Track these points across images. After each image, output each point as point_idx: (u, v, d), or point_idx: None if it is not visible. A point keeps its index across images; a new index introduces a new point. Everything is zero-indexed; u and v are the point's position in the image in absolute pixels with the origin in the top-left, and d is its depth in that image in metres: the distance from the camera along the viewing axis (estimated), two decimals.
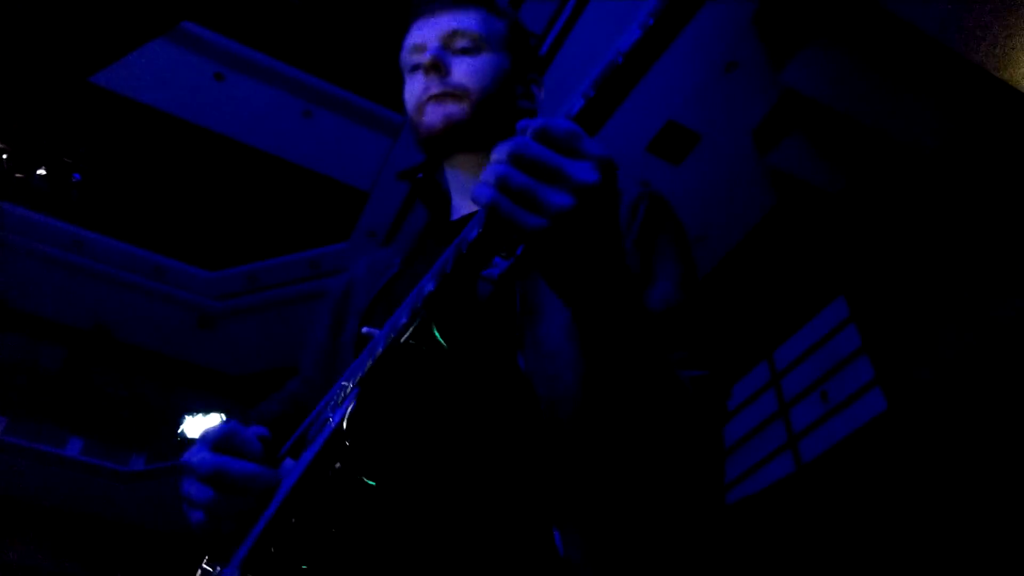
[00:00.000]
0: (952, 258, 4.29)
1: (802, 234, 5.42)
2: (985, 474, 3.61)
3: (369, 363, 0.72)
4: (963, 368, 3.98)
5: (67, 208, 7.14)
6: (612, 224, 0.63)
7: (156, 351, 8.61)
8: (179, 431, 7.80)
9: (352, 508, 0.70)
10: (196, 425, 7.75)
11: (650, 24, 0.59)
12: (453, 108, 0.99)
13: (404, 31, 1.09)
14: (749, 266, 5.86)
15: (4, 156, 6.48)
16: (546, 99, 1.13)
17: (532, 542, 0.73)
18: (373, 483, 0.69)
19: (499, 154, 0.60)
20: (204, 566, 0.79)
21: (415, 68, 1.05)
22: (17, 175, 6.57)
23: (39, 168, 6.65)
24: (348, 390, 0.74)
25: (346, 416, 0.70)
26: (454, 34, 1.04)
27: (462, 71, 1.01)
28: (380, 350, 0.72)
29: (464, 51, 1.03)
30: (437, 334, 0.69)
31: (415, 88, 1.04)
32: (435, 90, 1.00)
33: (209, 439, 0.79)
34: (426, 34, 1.05)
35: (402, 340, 0.70)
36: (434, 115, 1.00)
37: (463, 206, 1.07)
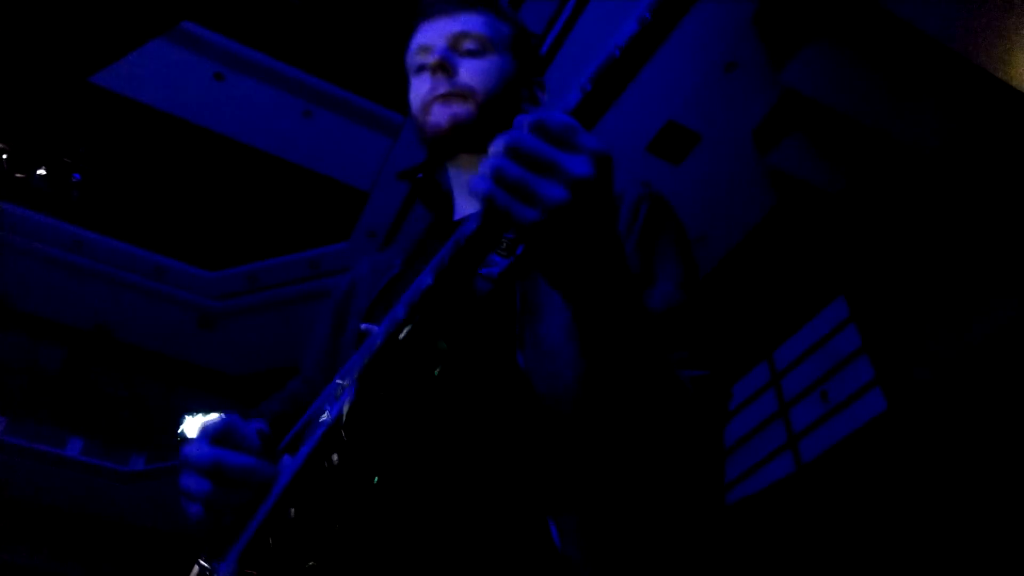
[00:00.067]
0: (952, 258, 4.29)
1: (802, 234, 5.42)
2: (985, 474, 3.61)
3: (367, 358, 0.72)
4: (963, 368, 3.98)
5: (67, 208, 7.14)
6: (608, 218, 0.63)
7: (156, 351, 8.60)
8: (179, 431, 7.77)
9: (349, 501, 0.70)
10: (196, 425, 7.73)
11: (647, 19, 0.59)
12: (459, 108, 1.00)
13: (410, 33, 1.10)
14: (749, 266, 5.86)
15: (4, 156, 6.48)
16: (547, 100, 1.13)
17: (529, 536, 0.74)
18: (370, 476, 0.69)
19: (496, 147, 0.61)
20: (201, 562, 0.79)
21: (421, 69, 1.06)
22: (17, 175, 6.57)
23: (39, 168, 6.65)
24: (345, 385, 0.74)
25: (344, 410, 0.70)
26: (461, 36, 1.04)
27: (468, 72, 1.02)
28: (378, 344, 0.72)
29: (470, 53, 1.04)
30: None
31: (421, 88, 1.05)
32: (442, 90, 1.01)
33: (208, 432, 0.79)
34: (433, 35, 1.06)
35: (400, 336, 0.70)
36: (440, 115, 1.00)
37: (466, 206, 1.08)
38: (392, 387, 0.73)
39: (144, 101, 6.47)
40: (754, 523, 4.88)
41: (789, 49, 4.35)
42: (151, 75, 6.22)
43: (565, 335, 0.81)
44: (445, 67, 1.01)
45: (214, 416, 0.81)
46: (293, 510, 0.71)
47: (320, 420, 0.74)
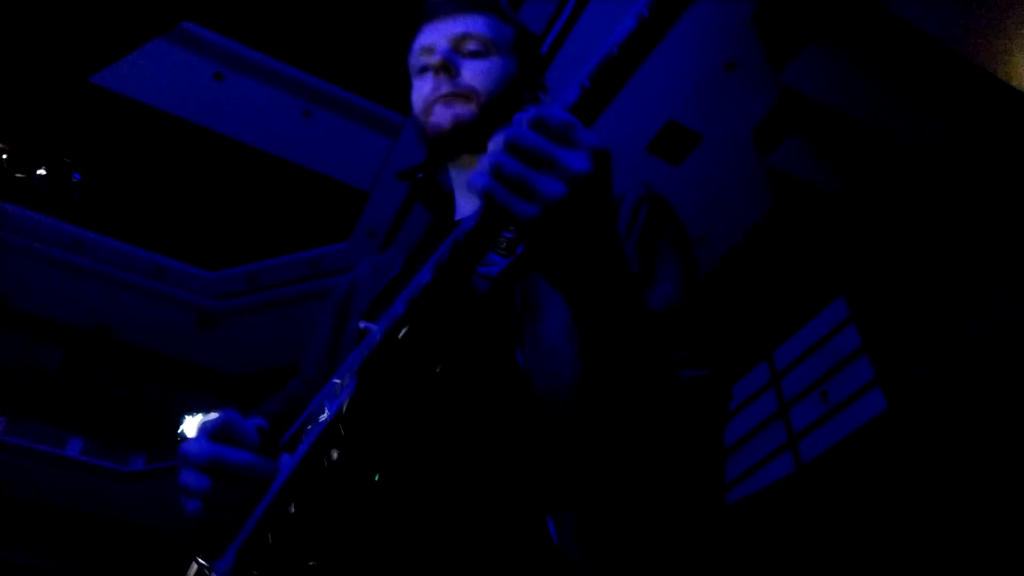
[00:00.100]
0: (952, 258, 4.29)
1: (802, 234, 5.42)
2: (985, 474, 3.61)
3: (366, 354, 0.72)
4: (963, 368, 3.98)
5: (67, 208, 7.14)
6: (606, 214, 0.63)
7: (156, 351, 8.61)
8: (179, 431, 7.81)
9: (348, 498, 0.70)
10: (196, 425, 7.74)
11: (645, 15, 0.59)
12: (461, 109, 1.00)
13: (413, 34, 1.10)
14: (749, 266, 5.86)
15: (4, 156, 6.48)
16: (548, 101, 1.13)
17: (527, 533, 0.74)
18: (369, 472, 0.69)
19: (495, 143, 0.61)
20: (199, 560, 0.79)
21: (424, 70, 1.06)
22: (17, 175, 6.57)
23: (39, 168, 6.65)
24: (344, 382, 0.74)
25: (343, 406, 0.70)
26: (464, 37, 1.05)
27: (471, 73, 1.02)
28: (377, 341, 0.72)
29: (473, 54, 1.04)
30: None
31: (424, 89, 1.05)
32: (444, 90, 1.01)
33: (207, 429, 0.79)
34: (436, 36, 1.06)
35: (400, 333, 0.70)
36: (442, 115, 1.01)
37: (466, 206, 1.08)
38: (391, 384, 0.73)
39: (144, 101, 6.47)
40: (754, 523, 4.88)
41: (789, 49, 4.35)
42: (151, 75, 6.22)
43: (565, 334, 0.81)
44: (448, 67, 1.01)
45: (213, 414, 0.81)
46: (292, 507, 0.71)
47: (319, 418, 0.74)
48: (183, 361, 8.67)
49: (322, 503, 0.70)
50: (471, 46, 1.04)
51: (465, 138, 1.01)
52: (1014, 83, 3.98)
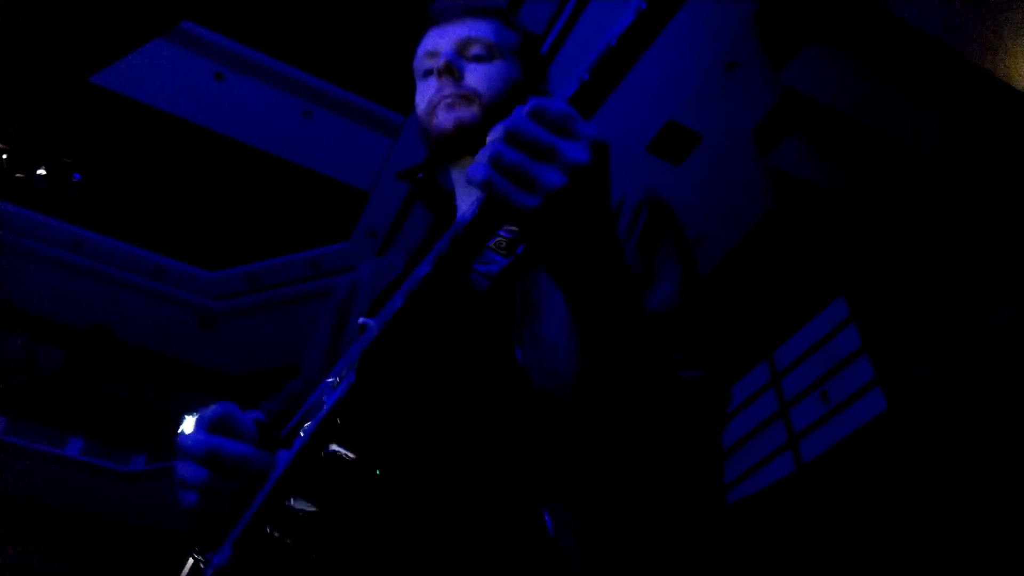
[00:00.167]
0: (952, 258, 4.29)
1: (802, 234, 5.42)
2: (985, 474, 3.61)
3: (364, 347, 0.72)
4: (963, 368, 3.98)
5: (67, 208, 7.14)
6: (604, 206, 0.63)
7: (156, 351, 8.60)
8: (179, 431, 7.80)
9: (346, 490, 0.70)
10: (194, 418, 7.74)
11: (643, 7, 0.59)
12: (464, 112, 1.01)
13: (419, 38, 1.12)
14: (749, 266, 5.86)
15: (4, 156, 6.48)
16: None
17: (523, 524, 0.74)
18: (366, 465, 0.69)
19: (495, 134, 0.61)
20: (195, 555, 0.78)
21: (428, 73, 1.07)
22: (17, 175, 6.57)
23: (39, 168, 6.65)
24: (343, 374, 0.74)
25: (341, 398, 0.70)
26: (468, 41, 1.06)
27: (474, 76, 1.03)
28: (376, 333, 0.72)
29: (477, 58, 1.05)
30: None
31: (427, 91, 1.06)
32: (447, 92, 1.02)
33: (204, 421, 0.78)
34: (440, 41, 1.07)
35: (398, 325, 0.70)
36: (445, 118, 1.02)
37: (467, 206, 1.08)
38: (389, 376, 0.73)
39: (144, 101, 6.47)
40: (754, 523, 4.88)
41: (789, 49, 4.35)
42: (151, 75, 6.22)
43: (564, 332, 0.81)
44: (451, 70, 1.02)
45: (211, 406, 0.81)
46: (290, 499, 0.70)
47: (318, 409, 0.74)
48: (183, 361, 8.66)
49: (320, 495, 0.70)
50: (475, 50, 1.06)
51: (467, 140, 1.01)
52: (1014, 83, 3.98)
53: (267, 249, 7.64)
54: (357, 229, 7.20)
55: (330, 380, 0.77)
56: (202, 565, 0.76)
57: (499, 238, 0.91)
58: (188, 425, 0.81)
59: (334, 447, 0.69)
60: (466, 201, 1.08)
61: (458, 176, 1.10)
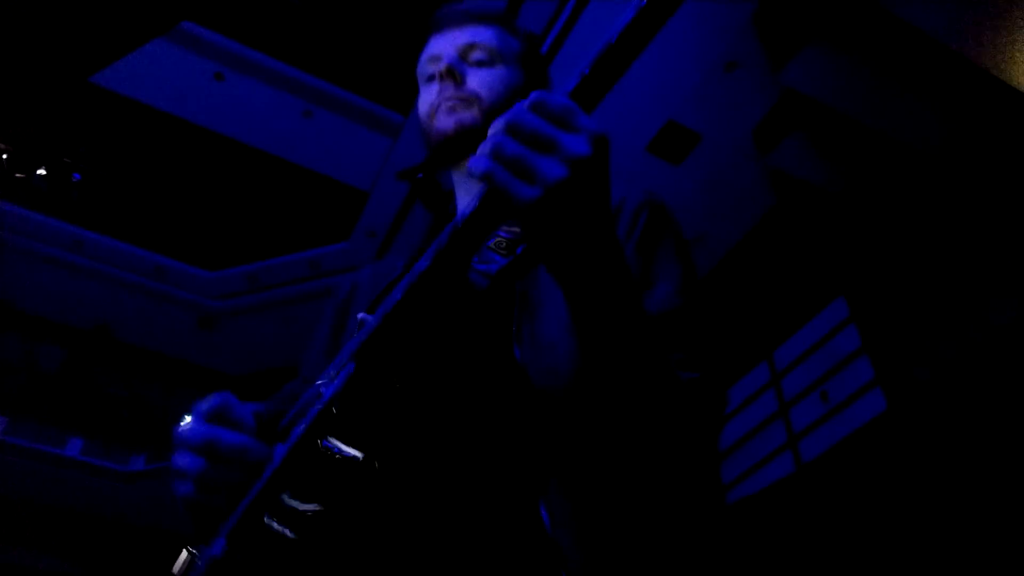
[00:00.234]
0: (952, 258, 4.29)
1: (802, 234, 5.42)
2: (985, 474, 3.61)
3: (363, 339, 0.72)
4: (963, 368, 3.98)
5: (67, 208, 7.14)
6: (604, 199, 0.64)
7: (156, 351, 8.61)
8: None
9: (342, 483, 0.70)
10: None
11: (644, 4, 0.60)
12: (465, 115, 1.02)
13: (422, 44, 1.13)
14: (749, 266, 5.86)
15: (4, 156, 6.48)
16: None
17: (520, 519, 0.74)
18: (363, 457, 0.69)
19: (496, 126, 0.61)
20: (188, 548, 0.78)
21: (431, 78, 1.08)
22: (17, 175, 6.57)
23: (39, 168, 6.66)
24: (342, 367, 0.74)
25: (339, 389, 0.69)
26: (470, 46, 1.07)
27: (476, 80, 1.04)
28: (374, 326, 0.71)
29: (479, 63, 1.06)
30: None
31: (429, 95, 1.07)
32: (448, 95, 1.03)
33: (202, 411, 0.78)
34: (443, 46, 1.08)
35: (397, 318, 0.69)
36: (446, 121, 1.03)
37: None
38: (387, 368, 0.72)
39: (144, 101, 6.47)
40: (754, 523, 4.88)
41: (789, 49, 4.35)
42: (151, 75, 6.22)
43: (563, 331, 0.81)
44: (453, 74, 1.03)
45: (209, 397, 0.80)
46: (286, 490, 0.70)
47: (316, 402, 0.74)
48: (183, 361, 8.67)
49: (316, 488, 0.70)
50: (477, 55, 1.07)
51: (468, 143, 1.02)
52: (1014, 83, 3.98)
53: (267, 249, 7.64)
54: (357, 229, 7.20)
55: (330, 372, 0.77)
56: (196, 557, 0.76)
57: (499, 238, 0.91)
58: (187, 423, 0.81)
59: (332, 440, 0.68)
60: (466, 201, 1.08)
61: (459, 178, 1.10)
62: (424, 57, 1.11)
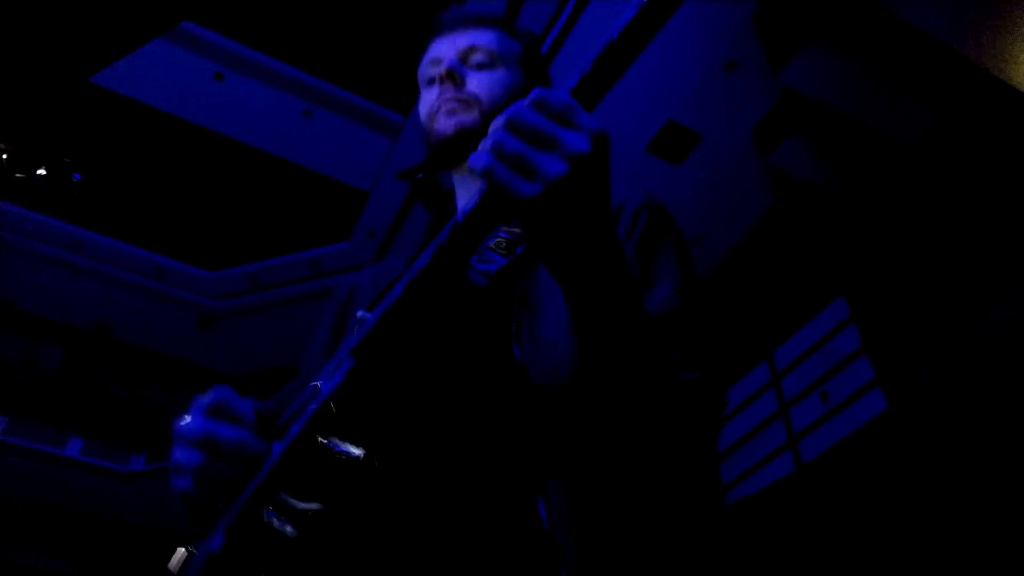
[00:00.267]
0: (952, 258, 4.29)
1: (802, 234, 5.42)
2: (985, 474, 3.61)
3: (363, 335, 0.72)
4: (963, 368, 3.98)
5: (67, 208, 7.15)
6: (604, 197, 0.64)
7: (156, 351, 8.61)
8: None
9: (342, 479, 0.69)
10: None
11: (644, 2, 0.60)
12: (464, 116, 1.03)
13: (424, 48, 1.14)
14: (749, 266, 5.86)
15: (4, 156, 6.49)
16: None
17: (518, 515, 0.75)
18: (361, 452, 0.69)
19: (497, 123, 0.62)
20: (188, 548, 0.77)
21: (431, 81, 1.09)
22: (17, 175, 6.58)
23: (39, 168, 6.66)
24: (341, 362, 0.74)
25: (339, 383, 0.69)
26: (471, 49, 1.08)
27: (475, 83, 1.05)
28: (373, 322, 0.71)
29: (479, 66, 1.07)
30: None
31: (430, 98, 1.08)
32: (448, 97, 1.04)
33: (202, 405, 0.78)
34: (444, 49, 1.09)
35: (396, 314, 0.69)
36: (446, 123, 1.03)
37: None
38: (386, 364, 0.72)
39: (144, 101, 6.47)
40: (754, 523, 4.88)
41: (789, 49, 4.35)
42: (151, 75, 6.23)
43: (562, 330, 0.81)
44: (453, 76, 1.04)
45: (209, 391, 0.80)
46: (284, 485, 0.69)
47: (315, 397, 0.74)
48: (183, 361, 8.67)
49: (315, 484, 0.69)
50: (477, 58, 1.07)
51: (468, 144, 1.02)
52: (1014, 83, 3.98)
53: (267, 249, 7.64)
54: (357, 229, 7.20)
55: (328, 369, 0.77)
56: (193, 553, 0.75)
57: (499, 239, 0.91)
58: (186, 418, 0.80)
59: (331, 438, 0.68)
60: (466, 200, 1.08)
61: (459, 179, 1.11)
62: (425, 60, 1.12)
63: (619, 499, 0.77)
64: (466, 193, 1.09)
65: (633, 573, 0.74)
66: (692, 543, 0.80)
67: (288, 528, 0.68)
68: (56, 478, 7.91)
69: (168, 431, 0.80)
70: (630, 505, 0.77)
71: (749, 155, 5.32)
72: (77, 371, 8.40)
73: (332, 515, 0.70)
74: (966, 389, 3.90)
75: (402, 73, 5.83)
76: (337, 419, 0.68)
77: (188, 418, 0.77)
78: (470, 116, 1.02)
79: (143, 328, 8.24)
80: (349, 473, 0.69)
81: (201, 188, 7.25)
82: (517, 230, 0.94)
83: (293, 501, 0.69)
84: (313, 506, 0.69)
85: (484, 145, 0.61)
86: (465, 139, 1.02)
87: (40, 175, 6.66)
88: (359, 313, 0.79)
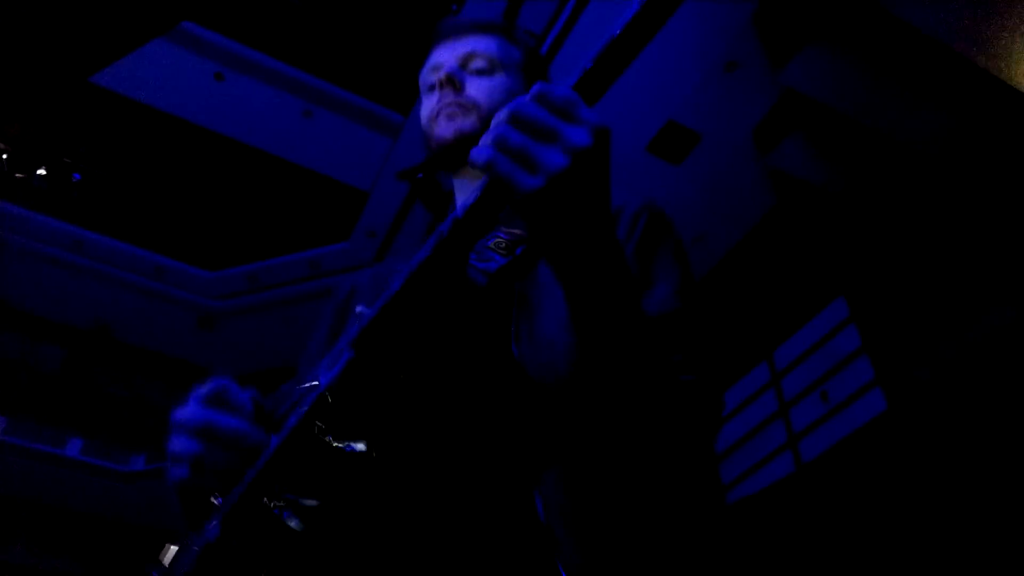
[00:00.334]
0: (952, 258, 4.29)
1: (802, 234, 5.42)
2: (985, 474, 3.61)
3: (362, 326, 0.72)
4: (963, 368, 3.98)
5: (67, 208, 7.15)
6: (604, 191, 0.64)
7: (156, 351, 8.61)
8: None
9: (338, 472, 0.69)
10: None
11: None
12: (463, 122, 1.04)
13: (425, 56, 1.15)
14: (749, 266, 5.86)
15: (4, 156, 6.49)
16: None
17: (515, 509, 0.75)
18: (359, 445, 0.68)
19: (499, 117, 0.62)
20: (177, 543, 0.77)
21: (432, 87, 1.10)
22: (17, 175, 6.58)
23: (39, 168, 6.66)
24: (340, 355, 0.74)
25: (338, 374, 0.69)
26: (471, 56, 1.09)
27: (475, 88, 1.06)
28: (372, 315, 0.71)
29: (479, 72, 1.08)
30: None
31: (430, 103, 1.09)
32: (448, 102, 1.05)
33: (200, 395, 0.78)
34: (445, 55, 1.11)
35: (395, 307, 0.69)
36: (445, 128, 1.04)
37: None
38: (384, 357, 0.72)
39: (144, 101, 6.47)
40: (754, 523, 4.88)
41: (789, 49, 4.35)
42: (151, 75, 6.23)
43: (561, 329, 0.82)
44: (452, 81, 1.05)
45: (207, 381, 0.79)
46: (282, 476, 0.69)
47: (313, 389, 0.74)
48: (183, 361, 8.67)
49: (313, 477, 0.69)
50: (477, 64, 1.09)
51: (467, 150, 1.03)
52: (1014, 83, 3.98)
53: (267, 249, 7.64)
54: (357, 229, 7.20)
55: (327, 361, 0.77)
56: (190, 543, 0.74)
57: (498, 239, 0.91)
58: (184, 407, 0.80)
59: (330, 430, 0.68)
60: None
61: (459, 185, 1.11)
62: (426, 67, 1.13)
63: (616, 495, 0.77)
64: (464, 192, 1.10)
65: (629, 568, 0.75)
66: (688, 540, 0.80)
67: (294, 522, 0.68)
68: (56, 478, 7.92)
69: (168, 431, 0.80)
70: (627, 501, 0.77)
71: (749, 155, 5.32)
72: (77, 371, 8.40)
73: (330, 509, 0.70)
74: (966, 389, 3.90)
75: (402, 73, 5.83)
76: (335, 410, 0.68)
77: (185, 407, 0.77)
78: (469, 121, 1.03)
79: (143, 328, 8.24)
80: (347, 466, 0.69)
81: (201, 188, 7.25)
82: (517, 231, 0.95)
83: (295, 495, 0.69)
84: (311, 502, 0.69)
85: (486, 139, 0.61)
86: (464, 144, 1.02)
87: (40, 175, 6.66)
88: (358, 308, 0.80)
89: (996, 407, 3.70)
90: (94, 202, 7.13)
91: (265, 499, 0.68)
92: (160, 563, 0.73)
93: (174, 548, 0.76)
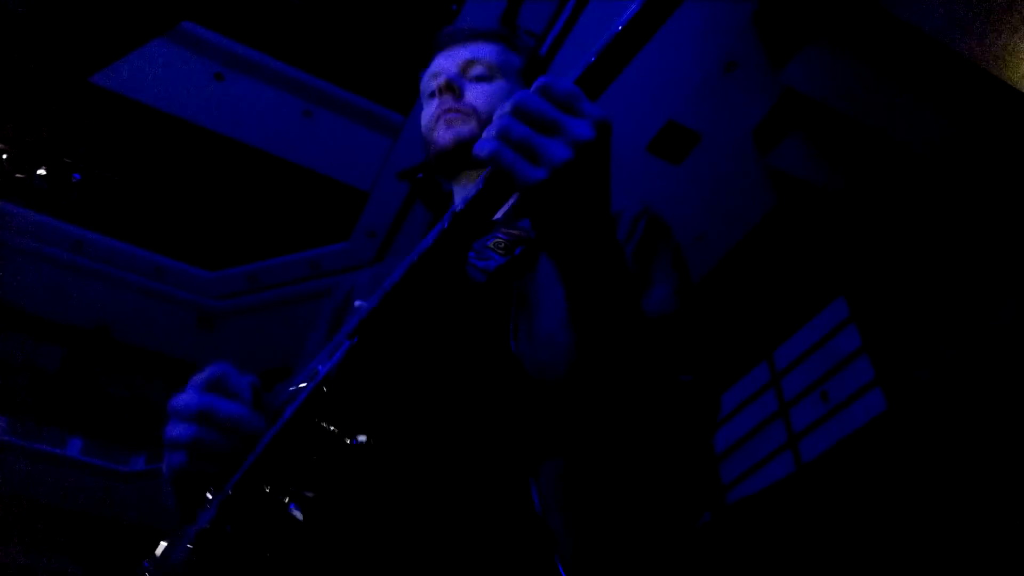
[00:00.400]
0: (952, 258, 4.29)
1: (802, 234, 5.42)
2: (985, 474, 3.61)
3: (361, 317, 0.72)
4: (963, 368, 3.98)
5: (67, 208, 7.15)
6: (605, 185, 0.65)
7: (156, 351, 8.60)
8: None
9: (336, 461, 0.69)
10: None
11: None
12: (462, 128, 1.05)
13: (426, 56, 1.17)
14: (749, 266, 5.86)
15: (4, 156, 6.49)
16: None
17: (511, 502, 0.75)
18: (356, 435, 0.68)
19: (502, 109, 0.63)
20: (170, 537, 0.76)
21: (432, 94, 1.12)
22: (17, 175, 6.58)
23: (39, 168, 6.66)
24: (339, 345, 0.74)
25: (337, 362, 0.69)
26: (470, 62, 1.11)
27: (474, 94, 1.08)
28: (371, 307, 0.71)
29: (479, 78, 1.10)
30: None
31: (430, 110, 1.11)
32: (447, 108, 1.06)
33: (198, 382, 0.77)
34: (445, 63, 1.12)
35: (395, 296, 0.69)
36: (445, 134, 1.05)
37: None
38: (382, 348, 0.72)
39: (144, 101, 6.47)
40: (754, 523, 4.88)
41: (789, 49, 4.35)
42: (151, 75, 6.23)
43: (560, 327, 0.82)
44: (452, 87, 1.07)
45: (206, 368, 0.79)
46: (279, 465, 0.68)
47: (312, 378, 0.74)
48: (183, 361, 8.66)
49: (308, 465, 0.69)
50: (477, 71, 1.10)
51: (466, 155, 1.04)
52: (1013, 82, 3.98)
53: (267, 249, 7.64)
54: (357, 229, 7.20)
55: (326, 353, 0.77)
56: (185, 532, 0.74)
57: (497, 239, 0.92)
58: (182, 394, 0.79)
59: (327, 419, 0.68)
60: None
61: (459, 190, 1.12)
62: (427, 74, 1.15)
63: (611, 489, 0.77)
64: (463, 193, 1.10)
65: (622, 560, 0.75)
66: (683, 535, 0.80)
67: (294, 511, 0.68)
68: (56, 478, 7.91)
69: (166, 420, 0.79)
70: (622, 496, 0.78)
71: (749, 155, 5.32)
72: (77, 371, 8.39)
73: (329, 498, 0.69)
74: (966, 389, 3.90)
75: (402, 73, 5.83)
76: (334, 400, 0.68)
77: (183, 393, 0.76)
78: (468, 127, 1.04)
79: (143, 328, 8.23)
80: (346, 456, 0.69)
81: (201, 188, 7.25)
82: (516, 232, 0.95)
83: (294, 485, 0.68)
84: (309, 492, 0.68)
85: (489, 132, 0.62)
86: (463, 150, 1.04)
87: (40, 175, 6.66)
88: (357, 303, 0.79)
89: (996, 407, 3.70)
90: (94, 202, 7.12)
91: (266, 488, 0.68)
92: (154, 556, 0.72)
93: (164, 544, 0.75)
